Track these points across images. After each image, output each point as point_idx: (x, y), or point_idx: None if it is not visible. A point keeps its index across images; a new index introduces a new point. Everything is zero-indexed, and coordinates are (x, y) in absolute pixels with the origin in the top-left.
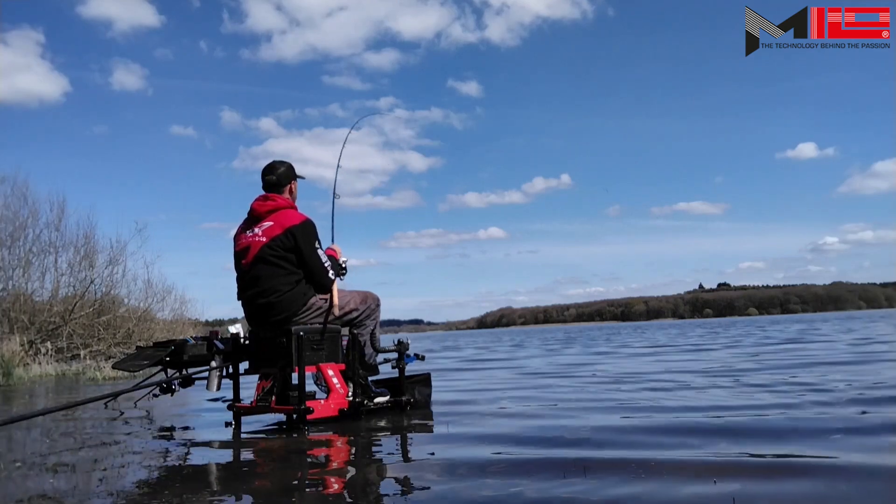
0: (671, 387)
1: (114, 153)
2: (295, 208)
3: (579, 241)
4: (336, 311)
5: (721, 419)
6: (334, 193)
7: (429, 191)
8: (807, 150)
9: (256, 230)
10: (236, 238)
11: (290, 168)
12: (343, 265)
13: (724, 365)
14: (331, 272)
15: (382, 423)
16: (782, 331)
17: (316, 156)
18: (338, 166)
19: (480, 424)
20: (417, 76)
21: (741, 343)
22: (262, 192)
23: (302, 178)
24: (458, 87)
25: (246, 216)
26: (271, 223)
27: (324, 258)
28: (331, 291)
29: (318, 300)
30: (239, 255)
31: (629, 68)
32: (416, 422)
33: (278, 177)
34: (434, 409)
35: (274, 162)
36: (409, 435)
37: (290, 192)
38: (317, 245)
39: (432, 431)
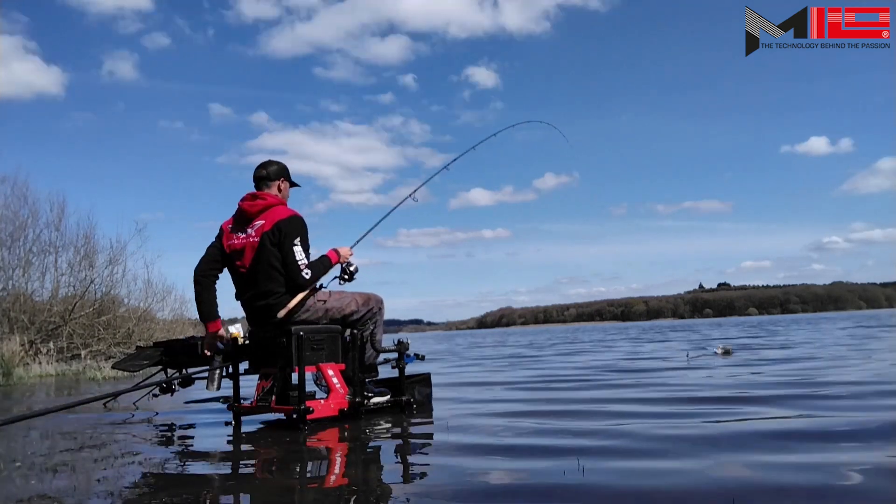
0: None
1: (107, 151)
2: (285, 205)
3: (583, 241)
4: (290, 306)
5: None
6: (412, 196)
7: (439, 188)
8: (815, 145)
9: (249, 230)
10: (226, 237)
11: (283, 168)
12: (350, 271)
13: None
14: (305, 271)
15: (382, 423)
16: None
17: (313, 150)
18: (447, 166)
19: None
20: (428, 70)
21: None
22: (250, 191)
23: (297, 185)
24: (472, 79)
25: (235, 214)
26: (263, 221)
27: (299, 256)
28: (304, 291)
29: (317, 300)
30: (233, 256)
31: (637, 67)
32: (417, 421)
33: (269, 172)
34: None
35: (268, 160)
36: (409, 435)
37: (279, 189)
38: (296, 242)
39: (432, 433)
